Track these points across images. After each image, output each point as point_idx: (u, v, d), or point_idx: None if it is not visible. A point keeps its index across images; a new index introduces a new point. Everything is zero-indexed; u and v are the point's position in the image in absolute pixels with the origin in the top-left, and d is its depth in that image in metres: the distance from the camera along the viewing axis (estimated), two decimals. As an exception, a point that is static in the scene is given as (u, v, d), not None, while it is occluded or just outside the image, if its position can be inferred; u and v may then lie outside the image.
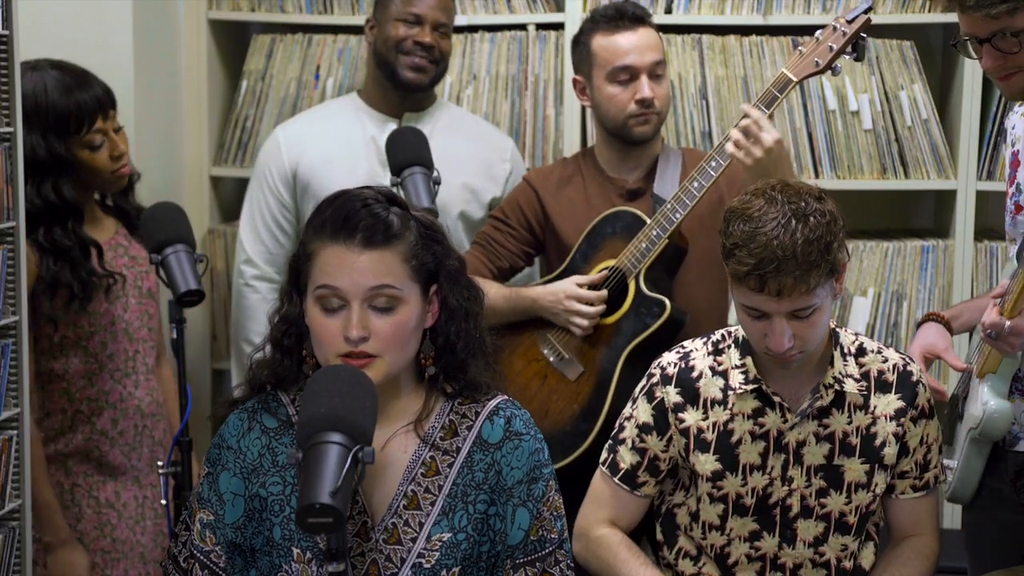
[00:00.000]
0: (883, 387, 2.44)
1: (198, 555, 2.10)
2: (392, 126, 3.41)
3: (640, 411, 2.48)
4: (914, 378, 2.46)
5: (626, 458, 2.49)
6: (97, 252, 2.95)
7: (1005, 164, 2.71)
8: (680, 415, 2.45)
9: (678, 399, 2.45)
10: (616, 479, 2.50)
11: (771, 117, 2.92)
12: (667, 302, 3.00)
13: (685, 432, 2.44)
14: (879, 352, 2.47)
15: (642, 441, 2.48)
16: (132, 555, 3.06)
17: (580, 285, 3.06)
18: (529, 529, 2.10)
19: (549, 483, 2.13)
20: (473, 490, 2.10)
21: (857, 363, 2.45)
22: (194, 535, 2.11)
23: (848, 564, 2.46)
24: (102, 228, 3.06)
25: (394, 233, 2.06)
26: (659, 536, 2.54)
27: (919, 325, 2.76)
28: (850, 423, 2.42)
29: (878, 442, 2.42)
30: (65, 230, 2.90)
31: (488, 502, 2.10)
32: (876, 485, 2.43)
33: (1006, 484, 2.60)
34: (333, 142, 3.43)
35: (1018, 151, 2.63)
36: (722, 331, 2.52)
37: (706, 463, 2.43)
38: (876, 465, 2.43)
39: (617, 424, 2.54)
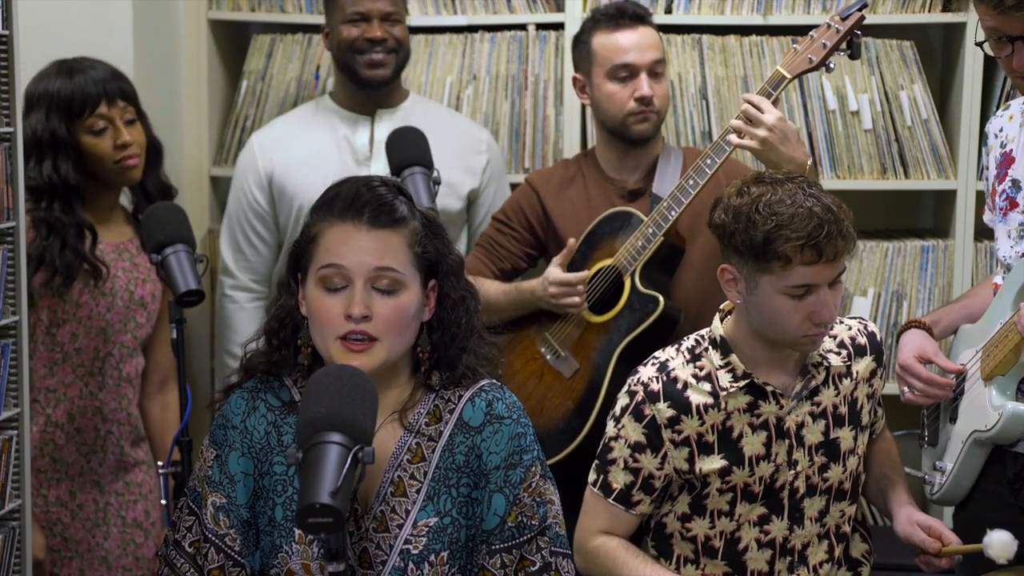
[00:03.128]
0: (860, 351, 2.51)
1: (213, 539, 2.10)
2: (364, 124, 3.44)
3: (629, 431, 2.44)
4: (878, 336, 2.55)
5: (619, 478, 2.46)
6: (92, 237, 2.97)
7: (989, 166, 2.71)
8: (676, 427, 2.42)
9: (671, 412, 2.42)
10: (610, 500, 2.47)
11: (775, 102, 2.93)
12: (661, 298, 3.01)
13: (685, 442, 2.43)
14: (841, 322, 2.54)
15: (635, 461, 2.44)
16: (90, 557, 3.06)
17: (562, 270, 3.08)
18: (505, 515, 2.09)
19: (531, 468, 2.12)
20: (455, 473, 2.10)
21: (831, 336, 2.50)
22: (207, 519, 2.10)
23: (847, 528, 2.52)
24: (117, 232, 3.07)
25: (400, 216, 2.08)
26: (652, 552, 2.53)
27: (900, 333, 2.77)
28: (837, 394, 2.47)
29: (858, 406, 2.50)
30: (64, 208, 2.93)
31: (471, 485, 2.10)
32: (859, 446, 2.50)
33: (1003, 486, 2.60)
34: (306, 145, 3.45)
35: (1010, 150, 2.64)
36: (694, 337, 2.51)
37: (713, 463, 2.44)
38: (858, 428, 2.50)
39: (602, 445, 2.50)
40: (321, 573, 2.05)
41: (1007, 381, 2.55)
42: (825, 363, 2.46)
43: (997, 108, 3.59)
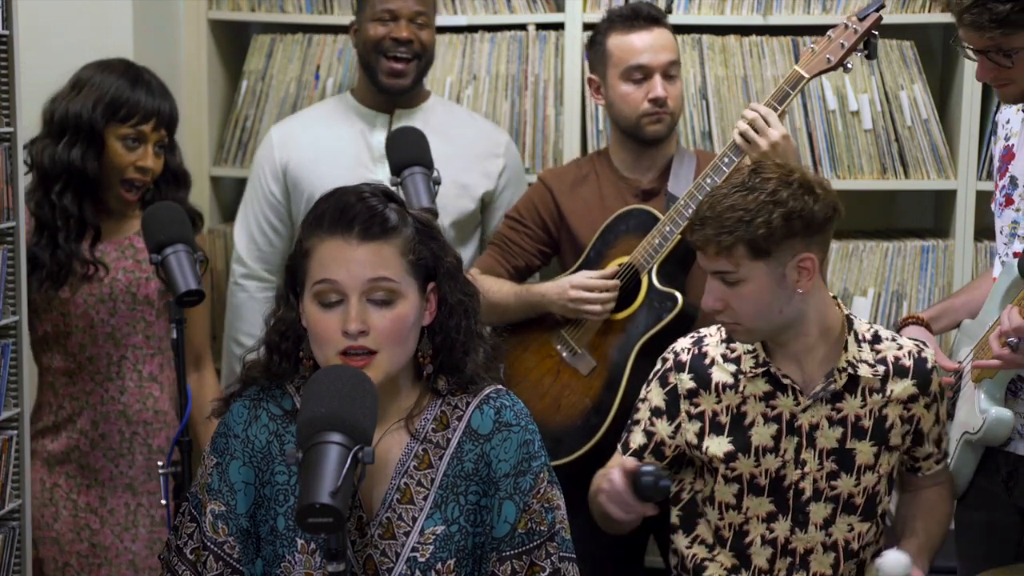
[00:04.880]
0: (900, 372, 2.49)
1: (212, 547, 2.09)
2: (383, 122, 3.43)
3: (653, 395, 2.54)
4: (929, 364, 2.51)
5: (636, 439, 2.55)
6: (93, 237, 2.96)
7: (995, 155, 2.72)
8: (694, 400, 2.50)
9: (691, 384, 2.51)
10: (628, 455, 2.55)
11: (782, 115, 2.94)
12: (679, 296, 3.01)
13: (700, 416, 2.49)
14: (893, 340, 2.53)
15: (652, 424, 2.53)
16: (118, 562, 3.05)
17: (590, 277, 3.08)
18: (516, 522, 2.09)
19: (539, 475, 2.12)
20: (463, 481, 2.09)
21: (873, 349, 2.49)
22: (206, 527, 2.09)
23: (855, 545, 2.49)
24: (123, 227, 3.06)
25: (391, 226, 2.06)
26: (675, 519, 2.57)
27: (899, 329, 2.77)
28: (863, 406, 2.46)
29: (887, 424, 2.47)
30: (74, 200, 2.93)
31: (480, 493, 2.10)
32: (880, 466, 2.47)
33: (997, 484, 2.61)
34: (323, 139, 3.44)
35: (1012, 144, 2.64)
36: None
37: (720, 445, 2.47)
38: (883, 447, 2.47)
39: (635, 406, 2.60)
40: None
41: (996, 384, 2.56)
42: (850, 370, 2.44)
43: (997, 108, 3.59)
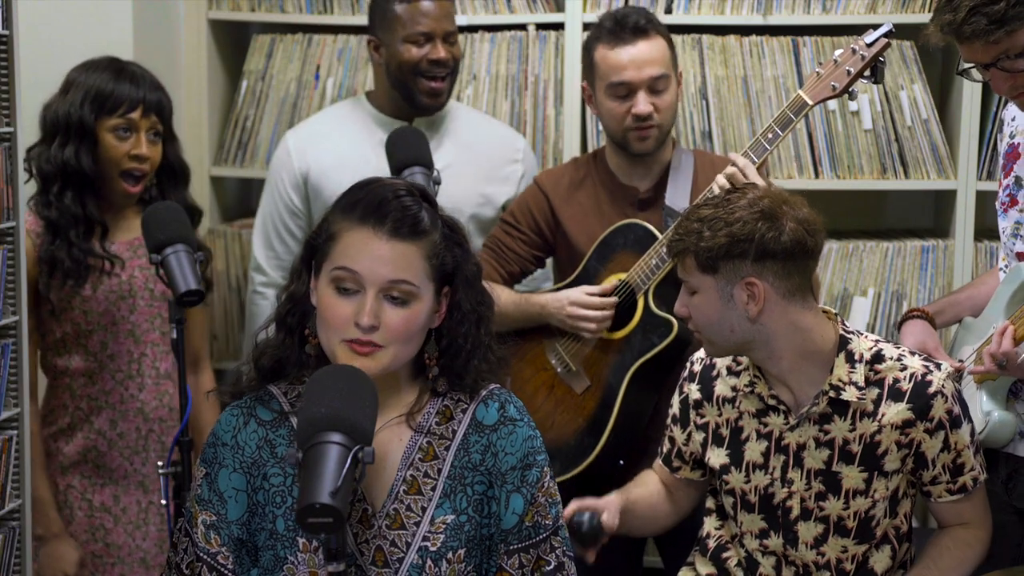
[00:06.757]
0: (895, 395, 2.40)
1: (205, 558, 2.08)
2: None
3: (674, 401, 2.62)
4: (931, 389, 2.39)
5: (666, 443, 2.65)
6: (101, 232, 2.97)
7: (998, 155, 2.70)
8: (700, 411, 2.55)
9: (698, 396, 2.55)
10: (660, 459, 2.67)
11: (762, 166, 2.88)
12: (674, 322, 2.95)
13: (704, 427, 2.54)
14: (899, 359, 2.43)
15: (671, 431, 2.61)
16: (130, 560, 3.06)
17: (589, 294, 3.05)
18: (524, 514, 2.11)
19: (544, 469, 2.14)
20: (470, 472, 2.11)
21: (872, 370, 2.41)
22: (198, 538, 2.09)
23: (849, 566, 2.46)
24: (129, 228, 3.06)
25: (422, 229, 2.06)
26: (710, 504, 2.60)
27: (902, 322, 2.76)
28: (852, 430, 2.40)
29: (880, 451, 2.40)
30: (75, 198, 2.94)
31: (486, 484, 2.11)
32: (875, 491, 2.42)
33: (997, 485, 2.61)
34: (344, 146, 3.41)
35: (1018, 143, 2.63)
36: None
37: (718, 457, 2.50)
38: (875, 473, 2.41)
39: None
40: None
41: (998, 385, 2.55)
42: (833, 393, 2.39)
43: (997, 108, 3.59)
